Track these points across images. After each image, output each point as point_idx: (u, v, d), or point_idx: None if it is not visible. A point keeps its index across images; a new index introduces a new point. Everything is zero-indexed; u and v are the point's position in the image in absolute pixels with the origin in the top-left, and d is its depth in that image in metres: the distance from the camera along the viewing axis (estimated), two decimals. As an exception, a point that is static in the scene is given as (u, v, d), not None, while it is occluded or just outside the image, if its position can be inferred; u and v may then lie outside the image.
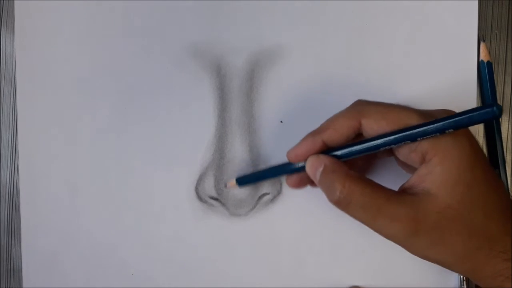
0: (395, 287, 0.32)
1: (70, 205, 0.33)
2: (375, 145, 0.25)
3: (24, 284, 0.33)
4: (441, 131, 0.23)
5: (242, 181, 0.31)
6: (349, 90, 0.32)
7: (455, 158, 0.23)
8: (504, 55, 0.33)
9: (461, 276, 0.31)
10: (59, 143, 0.33)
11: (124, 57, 0.32)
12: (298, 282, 0.32)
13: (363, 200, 0.24)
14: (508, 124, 0.33)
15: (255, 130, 0.32)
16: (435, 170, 0.24)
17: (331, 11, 0.32)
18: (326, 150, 0.26)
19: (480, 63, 0.32)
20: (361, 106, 0.26)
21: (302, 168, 0.27)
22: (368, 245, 0.32)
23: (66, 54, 0.33)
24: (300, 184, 0.29)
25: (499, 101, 0.32)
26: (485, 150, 0.33)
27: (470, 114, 0.23)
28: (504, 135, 0.33)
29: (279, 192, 0.32)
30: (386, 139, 0.24)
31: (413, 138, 0.24)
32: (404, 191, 0.25)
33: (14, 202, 0.33)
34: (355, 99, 0.32)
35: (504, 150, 0.32)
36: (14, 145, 0.33)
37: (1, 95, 0.33)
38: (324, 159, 0.26)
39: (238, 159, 0.32)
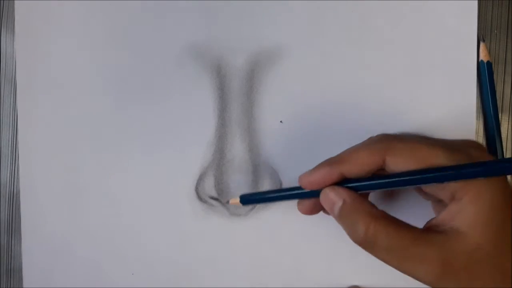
0: (395, 287, 0.32)
1: (70, 205, 0.33)
2: (401, 183, 0.24)
3: (24, 284, 0.33)
4: (472, 178, 0.23)
5: (246, 199, 0.30)
6: (349, 90, 0.32)
7: (487, 199, 0.23)
8: (504, 55, 0.33)
9: None
10: (59, 143, 0.33)
11: (124, 57, 0.33)
12: (298, 282, 0.32)
13: (389, 242, 0.23)
14: (508, 124, 0.33)
15: (255, 130, 0.32)
16: (467, 209, 0.23)
17: (331, 11, 0.32)
18: (343, 180, 0.25)
19: (479, 63, 0.32)
20: (387, 142, 0.25)
21: (315, 194, 0.26)
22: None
23: (66, 54, 0.33)
24: (312, 211, 0.28)
25: (499, 101, 0.32)
26: (485, 150, 0.33)
27: (504, 165, 0.22)
28: (504, 135, 0.33)
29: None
30: (413, 178, 0.24)
31: (442, 181, 0.23)
32: (431, 229, 0.24)
33: (14, 202, 0.33)
34: (355, 99, 0.32)
35: (504, 150, 0.32)
36: (14, 145, 0.33)
37: (1, 95, 0.33)
38: (343, 194, 0.25)
39: (238, 159, 0.32)
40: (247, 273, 0.32)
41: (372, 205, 0.24)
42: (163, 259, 0.33)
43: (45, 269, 0.33)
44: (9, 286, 0.33)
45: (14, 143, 0.33)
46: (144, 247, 0.33)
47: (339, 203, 0.25)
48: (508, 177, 0.32)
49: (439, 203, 0.26)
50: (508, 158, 0.22)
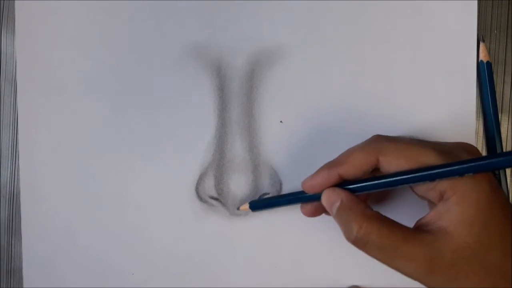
0: (395, 287, 0.32)
1: (70, 205, 0.33)
2: (393, 182, 0.25)
3: (25, 284, 0.33)
4: (461, 174, 0.23)
5: (255, 206, 0.31)
6: (348, 90, 0.32)
7: (473, 199, 0.24)
8: (504, 55, 0.33)
9: None
10: (59, 143, 0.33)
11: (124, 57, 0.33)
12: (298, 282, 0.32)
13: (380, 241, 0.24)
14: (508, 124, 0.33)
15: (255, 130, 0.32)
16: (453, 209, 0.24)
17: (331, 11, 0.32)
18: (342, 181, 0.27)
19: (479, 63, 0.32)
20: (380, 143, 0.26)
21: (317, 198, 0.27)
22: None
23: (67, 54, 0.33)
24: (315, 213, 0.29)
25: (499, 101, 0.33)
26: (485, 150, 0.33)
27: (492, 160, 0.23)
28: (504, 135, 0.33)
29: (279, 192, 0.32)
30: (405, 177, 0.25)
31: (432, 179, 0.24)
32: (420, 228, 0.25)
33: (14, 202, 0.33)
34: (355, 99, 0.32)
35: (504, 150, 0.32)
36: (14, 145, 0.33)
37: (2, 95, 0.33)
38: (341, 194, 0.26)
39: (238, 159, 0.32)
40: (247, 273, 0.32)
41: (367, 206, 0.26)
42: (163, 259, 0.33)
43: (45, 269, 0.33)
44: (9, 286, 0.33)
45: (14, 143, 0.33)
46: (144, 247, 0.33)
47: (337, 203, 0.26)
48: (508, 178, 0.32)
49: (433, 203, 0.26)
50: (494, 154, 0.22)
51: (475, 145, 0.31)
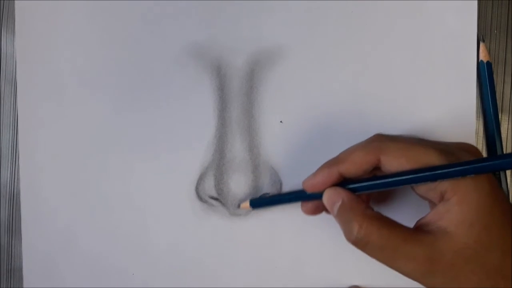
0: (395, 287, 0.32)
1: (70, 205, 0.33)
2: (394, 182, 0.25)
3: (25, 284, 0.33)
4: (462, 175, 0.23)
5: (256, 203, 0.31)
6: (348, 90, 0.32)
7: (474, 200, 0.24)
8: (504, 55, 0.33)
9: None
10: (59, 143, 0.33)
11: (124, 57, 0.33)
12: (297, 282, 0.32)
13: (380, 242, 0.24)
14: (508, 124, 0.33)
15: (255, 130, 0.32)
16: (453, 210, 0.24)
17: (331, 11, 0.32)
18: (343, 180, 0.27)
19: (479, 63, 0.32)
20: (381, 142, 0.26)
21: (318, 196, 0.27)
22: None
23: (67, 54, 0.33)
24: (315, 212, 0.29)
25: (499, 101, 0.33)
26: (485, 150, 0.33)
27: (493, 162, 0.23)
28: (504, 135, 0.33)
29: (279, 192, 0.32)
30: (406, 177, 0.25)
31: (433, 179, 0.24)
32: (420, 228, 0.25)
33: (14, 202, 0.33)
34: (355, 98, 0.32)
35: (504, 150, 0.32)
36: (14, 145, 0.33)
37: (2, 95, 0.33)
38: (342, 194, 0.26)
39: (238, 159, 0.32)
40: (247, 273, 0.32)
41: (368, 206, 0.26)
42: (164, 258, 0.33)
43: (45, 269, 0.33)
44: (9, 286, 0.33)
45: (15, 143, 0.33)
46: (144, 246, 0.33)
47: (338, 203, 0.26)
48: (508, 178, 0.32)
49: (434, 203, 0.26)
50: (495, 156, 0.23)
51: (475, 145, 0.31)
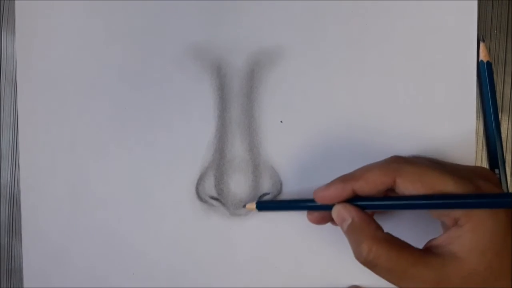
0: (395, 287, 0.32)
1: (70, 205, 0.33)
2: (407, 206, 0.25)
3: (25, 284, 0.33)
4: (478, 207, 0.23)
5: (262, 206, 0.31)
6: (348, 89, 0.32)
7: (487, 228, 0.24)
8: (504, 55, 0.33)
9: None
10: (59, 143, 0.33)
11: (124, 57, 0.33)
12: (298, 282, 0.32)
13: (389, 265, 0.24)
14: (508, 124, 0.33)
15: (255, 130, 0.32)
16: (466, 236, 0.24)
17: (331, 11, 0.32)
18: (355, 196, 0.27)
19: (479, 63, 0.32)
20: (397, 164, 0.26)
21: (327, 208, 0.27)
22: (368, 245, 0.32)
23: (67, 55, 0.33)
24: (321, 222, 0.29)
25: (499, 101, 0.32)
26: (485, 150, 0.33)
27: (508, 199, 0.23)
28: (504, 135, 0.33)
29: (279, 192, 0.32)
30: (419, 202, 0.25)
31: (447, 208, 0.24)
32: (430, 250, 0.25)
33: (14, 202, 0.33)
34: (355, 98, 0.32)
35: (504, 150, 0.32)
36: (14, 145, 0.33)
37: (2, 96, 0.33)
38: (353, 212, 0.26)
39: (238, 159, 0.32)
40: (247, 273, 0.32)
41: (378, 227, 0.26)
42: (163, 259, 0.33)
43: (45, 269, 0.33)
44: (9, 286, 0.33)
45: (15, 143, 0.33)
46: (144, 247, 0.33)
47: (348, 220, 0.26)
48: (508, 178, 0.32)
49: (446, 225, 0.27)
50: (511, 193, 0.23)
51: (475, 145, 0.31)
